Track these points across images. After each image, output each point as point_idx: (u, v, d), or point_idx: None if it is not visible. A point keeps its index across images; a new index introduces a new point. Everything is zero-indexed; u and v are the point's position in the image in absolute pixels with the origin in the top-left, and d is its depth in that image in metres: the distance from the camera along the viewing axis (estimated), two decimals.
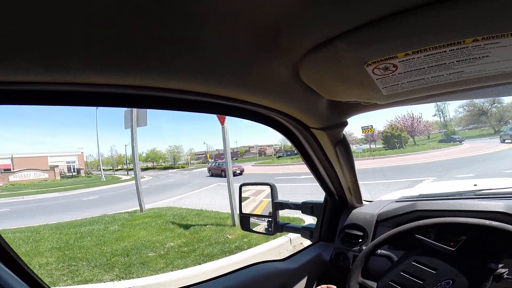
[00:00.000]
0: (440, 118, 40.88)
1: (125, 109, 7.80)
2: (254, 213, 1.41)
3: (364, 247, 0.99)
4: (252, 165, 30.84)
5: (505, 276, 0.77)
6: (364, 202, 1.35)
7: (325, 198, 1.33)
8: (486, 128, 34.81)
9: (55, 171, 33.89)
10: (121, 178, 29.20)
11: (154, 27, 0.38)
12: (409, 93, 0.67)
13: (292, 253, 1.30)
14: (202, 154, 54.40)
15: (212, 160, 29.42)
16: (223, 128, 5.89)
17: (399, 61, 0.51)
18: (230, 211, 6.06)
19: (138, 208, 8.31)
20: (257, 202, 1.44)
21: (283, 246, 4.41)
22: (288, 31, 0.45)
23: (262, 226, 1.38)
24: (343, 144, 1.01)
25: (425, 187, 1.74)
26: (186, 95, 0.61)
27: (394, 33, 0.43)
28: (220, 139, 6.10)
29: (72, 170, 38.44)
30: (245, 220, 1.42)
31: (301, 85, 0.65)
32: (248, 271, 1.10)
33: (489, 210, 0.91)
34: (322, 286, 0.92)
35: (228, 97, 0.66)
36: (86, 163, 39.17)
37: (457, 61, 0.51)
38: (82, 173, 37.76)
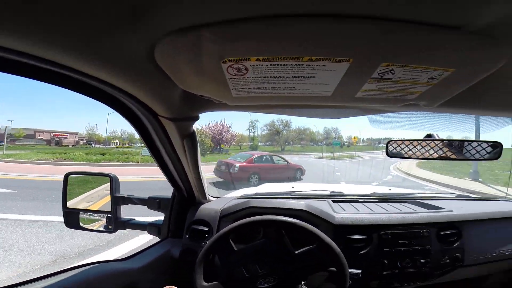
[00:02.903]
0: (250, 132, 46.15)
1: None
2: (90, 208, 1.22)
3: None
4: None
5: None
6: (211, 198, 1.47)
7: (173, 193, 1.35)
8: (276, 146, 43.88)
9: None
10: None
11: None
12: (254, 100, 0.74)
13: (137, 251, 1.22)
14: None
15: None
16: None
17: (250, 65, 0.54)
18: None
19: None
20: (97, 195, 1.25)
21: None
22: (155, 4, 0.42)
23: (101, 223, 1.23)
24: (191, 139, 1.04)
25: (265, 186, 2.17)
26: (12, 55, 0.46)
27: (253, 35, 0.47)
28: None
29: None
30: (71, 216, 1.19)
31: (154, 68, 0.60)
32: (78, 274, 0.94)
33: (296, 208, 1.25)
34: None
35: (67, 66, 0.54)
36: None
37: (292, 77, 0.59)
38: None
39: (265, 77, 0.59)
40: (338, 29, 0.45)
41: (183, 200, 1.35)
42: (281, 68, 0.55)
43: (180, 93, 0.79)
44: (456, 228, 1.30)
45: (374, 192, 1.78)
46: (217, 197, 1.53)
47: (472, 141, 1.11)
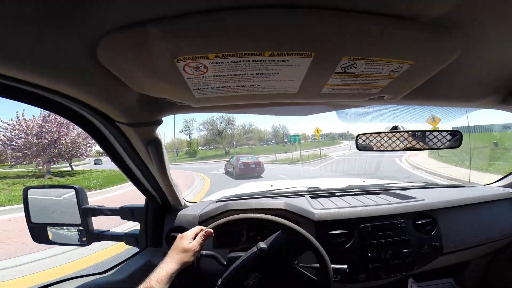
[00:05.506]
0: (186, 135, 40.59)
1: None
2: (58, 222, 1.13)
3: None
4: None
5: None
6: (187, 204, 1.44)
7: (146, 202, 1.31)
8: (220, 149, 38.11)
9: None
10: None
11: None
12: (219, 100, 0.70)
13: (117, 263, 1.18)
14: None
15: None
16: None
17: (209, 63, 0.52)
18: None
19: None
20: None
21: None
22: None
23: (73, 236, 1.18)
24: (155, 145, 0.97)
25: (244, 187, 2.17)
26: None
27: (208, 30, 0.44)
28: None
29: None
30: (39, 231, 1.14)
31: (100, 69, 0.56)
32: None
33: (275, 207, 1.26)
34: None
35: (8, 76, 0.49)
36: None
37: (256, 73, 0.57)
38: None
39: (227, 75, 0.57)
40: (296, 21, 0.45)
41: (158, 208, 1.32)
42: (243, 65, 0.54)
43: (137, 96, 0.75)
44: (430, 216, 1.35)
45: (349, 185, 1.84)
46: (194, 202, 1.50)
47: (434, 131, 1.20)
